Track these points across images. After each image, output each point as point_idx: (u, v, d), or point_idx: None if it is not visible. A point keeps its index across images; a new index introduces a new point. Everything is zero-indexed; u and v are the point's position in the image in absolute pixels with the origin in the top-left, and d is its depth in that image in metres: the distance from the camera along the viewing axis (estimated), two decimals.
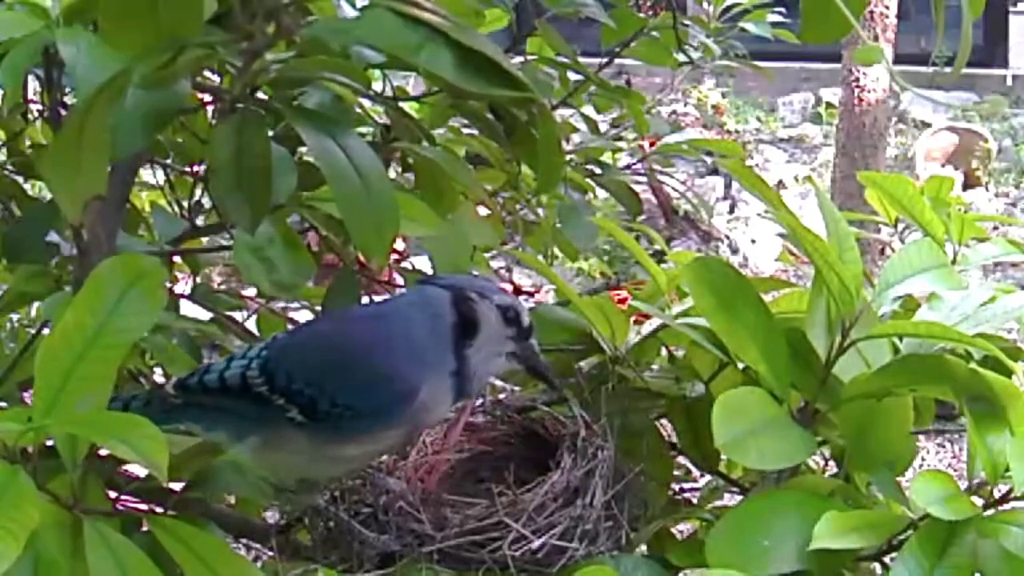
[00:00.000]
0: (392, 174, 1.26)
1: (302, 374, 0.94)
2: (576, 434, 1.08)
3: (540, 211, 1.59)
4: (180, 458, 1.00)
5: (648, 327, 1.20)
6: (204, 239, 1.45)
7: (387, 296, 1.13)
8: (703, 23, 1.69)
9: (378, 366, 0.95)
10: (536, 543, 0.98)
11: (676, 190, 2.04)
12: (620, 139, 1.72)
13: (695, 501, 1.26)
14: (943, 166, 6.91)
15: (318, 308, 1.30)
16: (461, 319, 0.96)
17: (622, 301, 1.34)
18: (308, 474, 1.01)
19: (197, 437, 1.00)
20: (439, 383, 0.96)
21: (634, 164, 1.68)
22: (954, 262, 1.21)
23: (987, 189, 6.92)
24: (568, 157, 1.53)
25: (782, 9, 1.80)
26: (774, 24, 1.77)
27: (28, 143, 1.40)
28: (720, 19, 1.75)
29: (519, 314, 0.99)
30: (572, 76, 1.47)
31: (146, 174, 1.52)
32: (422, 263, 1.48)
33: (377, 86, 1.22)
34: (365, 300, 1.26)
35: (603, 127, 1.65)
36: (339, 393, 0.94)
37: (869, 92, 5.31)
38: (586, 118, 1.58)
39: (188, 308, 1.40)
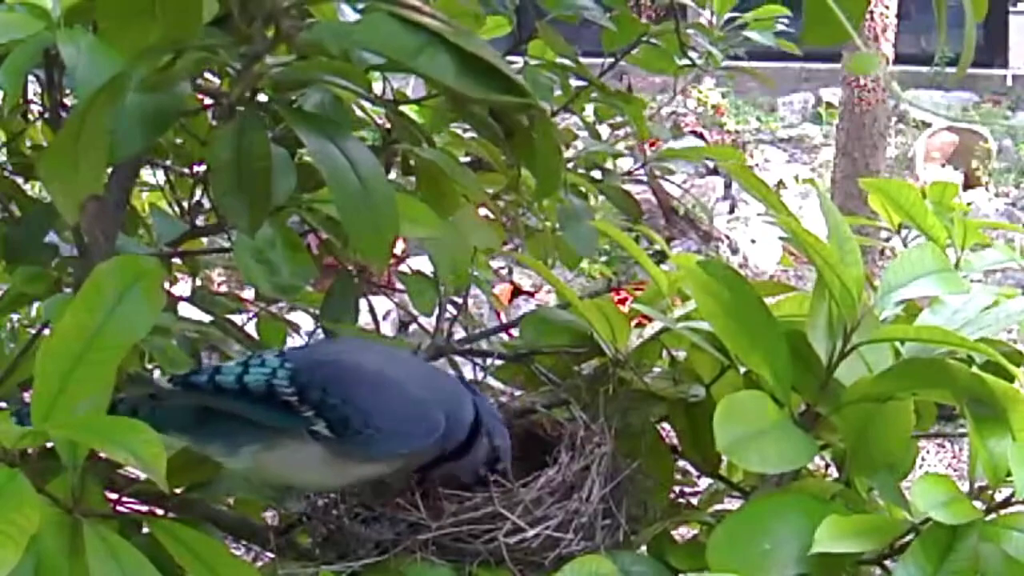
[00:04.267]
0: (392, 176, 1.25)
1: (339, 390, 0.95)
2: (575, 434, 1.08)
3: (541, 215, 1.58)
4: (182, 466, 0.99)
5: (650, 330, 1.20)
6: (204, 240, 1.45)
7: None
8: (706, 30, 1.68)
9: (415, 399, 0.98)
10: (530, 533, 0.99)
11: (672, 195, 2.04)
12: (622, 139, 1.71)
13: (696, 504, 1.25)
14: (943, 166, 6.90)
15: (316, 312, 1.29)
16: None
17: (622, 302, 1.34)
18: (305, 485, 1.02)
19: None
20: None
21: (635, 169, 1.67)
22: (956, 267, 1.20)
23: (987, 189, 6.91)
24: (569, 163, 1.52)
25: (786, 13, 1.79)
26: (776, 33, 1.76)
27: (28, 144, 1.40)
28: (723, 28, 1.73)
29: (499, 459, 1.04)
30: (574, 82, 1.46)
31: (146, 174, 1.52)
32: (422, 263, 1.47)
33: (377, 88, 1.21)
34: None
35: (604, 132, 1.65)
36: (374, 415, 0.96)
37: (869, 92, 5.31)
38: (587, 123, 1.57)
39: (186, 310, 1.40)
